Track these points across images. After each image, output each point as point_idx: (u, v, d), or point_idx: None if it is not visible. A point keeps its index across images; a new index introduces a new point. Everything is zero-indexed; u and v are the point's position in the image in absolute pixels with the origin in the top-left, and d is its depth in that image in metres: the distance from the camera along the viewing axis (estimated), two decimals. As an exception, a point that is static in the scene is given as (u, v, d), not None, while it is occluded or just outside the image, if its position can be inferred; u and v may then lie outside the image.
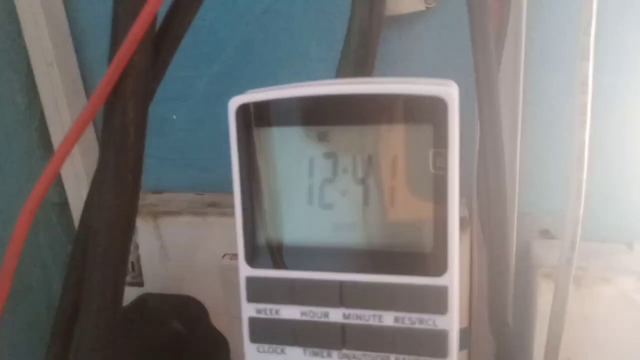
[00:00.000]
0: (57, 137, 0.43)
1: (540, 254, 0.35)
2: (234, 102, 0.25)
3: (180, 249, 0.38)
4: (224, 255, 0.38)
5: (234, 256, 0.39)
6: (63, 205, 0.45)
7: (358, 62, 0.33)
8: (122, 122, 0.24)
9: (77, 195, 0.43)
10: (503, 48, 0.32)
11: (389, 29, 0.35)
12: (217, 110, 0.42)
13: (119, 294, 0.27)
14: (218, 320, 0.38)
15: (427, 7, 0.34)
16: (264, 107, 0.25)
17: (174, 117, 0.42)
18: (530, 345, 0.33)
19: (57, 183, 0.44)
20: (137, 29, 0.23)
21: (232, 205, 0.40)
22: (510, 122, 0.34)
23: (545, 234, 0.38)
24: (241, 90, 0.41)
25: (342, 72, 0.34)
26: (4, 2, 0.40)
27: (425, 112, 0.23)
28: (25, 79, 0.42)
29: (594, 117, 0.26)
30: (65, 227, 0.47)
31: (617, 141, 0.36)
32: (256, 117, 0.25)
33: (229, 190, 0.43)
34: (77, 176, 0.43)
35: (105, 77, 0.23)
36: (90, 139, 0.44)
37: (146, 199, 0.42)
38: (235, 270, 0.38)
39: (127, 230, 0.26)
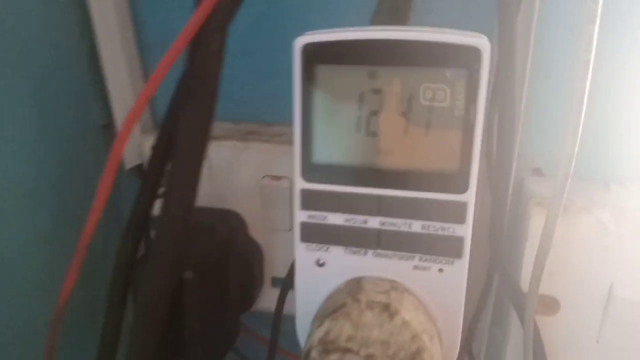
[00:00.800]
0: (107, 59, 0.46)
1: (533, 188, 0.41)
2: (300, 42, 0.29)
3: (225, 170, 0.43)
4: (264, 177, 0.43)
5: (274, 177, 0.45)
6: (108, 127, 0.50)
7: (393, 10, 0.37)
8: (206, 54, 0.29)
9: (123, 118, 0.47)
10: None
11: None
12: (252, 47, 0.46)
13: (194, 199, 0.32)
14: (255, 232, 0.44)
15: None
16: (324, 47, 0.29)
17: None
18: (520, 259, 0.40)
19: (104, 105, 0.48)
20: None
21: (268, 134, 0.46)
22: (521, 68, 0.39)
23: (537, 172, 0.44)
24: (278, 29, 0.46)
25: (376, 19, 0.38)
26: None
27: (462, 59, 0.28)
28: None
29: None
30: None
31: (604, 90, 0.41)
32: (317, 55, 0.29)
33: (263, 121, 0.49)
34: (125, 101, 0.47)
35: (198, 12, 0.28)
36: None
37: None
38: (272, 189, 0.44)
39: (205, 148, 0.31)
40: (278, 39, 0.46)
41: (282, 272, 0.44)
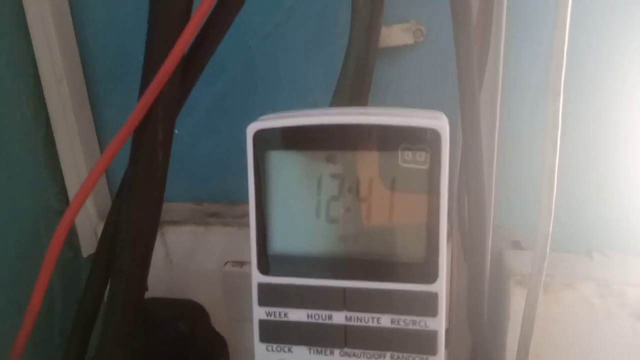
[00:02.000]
0: (62, 144, 0.45)
1: (512, 263, 0.39)
2: (252, 128, 0.28)
3: (184, 256, 0.41)
4: (226, 263, 0.41)
5: (236, 263, 0.42)
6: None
7: (354, 89, 0.36)
8: (152, 144, 0.27)
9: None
10: (484, 75, 0.36)
11: (381, 59, 0.39)
12: (218, 126, 0.45)
13: (141, 296, 0.29)
14: (218, 323, 0.41)
15: (415, 41, 0.38)
16: (278, 133, 0.28)
17: (176, 132, 0.45)
18: (503, 343, 0.37)
19: (60, 190, 0.46)
20: (168, 65, 0.26)
21: (231, 216, 0.44)
22: (488, 142, 0.38)
23: (516, 245, 0.42)
24: (241, 110, 0.45)
25: (338, 97, 0.37)
26: (15, 14, 0.42)
27: (422, 141, 0.26)
28: (34, 91, 0.44)
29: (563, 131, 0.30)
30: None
31: (578, 159, 0.40)
32: (271, 142, 0.28)
33: (227, 201, 0.47)
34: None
35: (139, 105, 0.26)
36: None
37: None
38: (235, 276, 0.42)
39: (152, 240, 0.28)
40: (244, 114, 0.44)
41: (250, 367, 0.40)
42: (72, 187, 0.45)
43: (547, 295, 0.35)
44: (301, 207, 0.28)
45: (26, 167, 0.44)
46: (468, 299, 0.35)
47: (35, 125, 0.44)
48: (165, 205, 0.46)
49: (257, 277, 0.29)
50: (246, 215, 0.43)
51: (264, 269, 0.29)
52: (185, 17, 0.26)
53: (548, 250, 0.30)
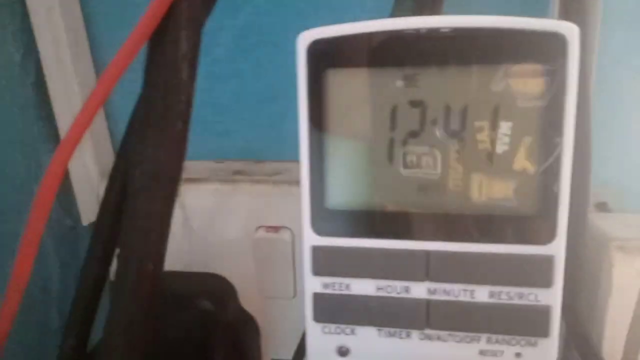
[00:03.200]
0: (56, 91, 0.38)
1: (604, 227, 0.32)
2: (305, 38, 0.21)
3: (206, 221, 0.34)
4: (258, 228, 0.34)
5: (270, 228, 0.36)
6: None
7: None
8: (174, 56, 0.20)
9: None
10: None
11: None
12: (241, 66, 0.38)
13: (159, 267, 0.23)
14: (248, 302, 0.35)
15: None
16: (340, 45, 0.21)
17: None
18: (601, 327, 0.31)
19: (54, 148, 0.40)
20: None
21: (260, 173, 0.37)
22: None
23: (602, 206, 0.36)
24: (270, 47, 0.38)
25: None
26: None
27: (540, 53, 0.19)
28: (21, 26, 0.37)
29: None
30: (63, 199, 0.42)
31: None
32: (330, 56, 0.21)
33: (253, 159, 0.40)
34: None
35: (154, 3, 0.19)
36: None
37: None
38: (269, 244, 0.35)
39: (174, 189, 0.22)
40: (273, 53, 0.37)
41: (285, 354, 0.34)
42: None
43: (628, 257, 0.29)
44: (370, 147, 0.22)
45: (15, 120, 0.38)
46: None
47: (24, 69, 0.38)
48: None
49: (311, 239, 0.23)
50: (279, 173, 0.37)
51: (320, 228, 0.23)
52: None
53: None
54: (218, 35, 0.37)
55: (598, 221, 0.33)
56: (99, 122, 0.40)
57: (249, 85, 0.38)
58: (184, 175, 0.34)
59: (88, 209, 0.41)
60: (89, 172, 0.39)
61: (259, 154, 0.40)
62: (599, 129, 0.34)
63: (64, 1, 0.36)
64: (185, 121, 0.21)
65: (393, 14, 0.29)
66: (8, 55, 0.37)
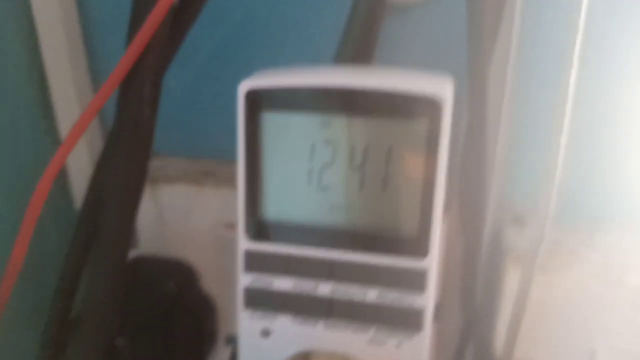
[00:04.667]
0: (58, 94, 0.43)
1: (511, 239, 0.38)
2: (244, 87, 0.26)
3: (177, 215, 0.40)
4: (219, 224, 0.40)
5: (230, 225, 0.41)
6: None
7: (359, 46, 0.34)
8: (139, 98, 0.26)
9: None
10: (495, 43, 0.34)
11: (390, 15, 0.37)
12: (216, 76, 0.43)
13: (125, 254, 0.29)
14: (209, 286, 0.40)
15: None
16: (272, 93, 0.26)
17: (172, 84, 0.43)
18: (494, 322, 0.36)
19: (54, 142, 0.45)
20: (157, 12, 0.24)
21: (227, 175, 0.43)
22: (494, 113, 0.36)
23: (518, 220, 0.41)
24: (242, 59, 0.43)
25: (341, 53, 0.35)
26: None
27: (419, 110, 0.25)
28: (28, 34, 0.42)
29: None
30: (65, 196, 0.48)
31: (589, 135, 0.39)
32: (263, 102, 0.26)
33: (224, 158, 0.46)
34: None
35: (125, 57, 0.25)
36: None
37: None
38: (227, 239, 0.41)
39: (136, 202, 0.27)
40: (244, 64, 0.42)
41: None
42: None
43: (545, 276, 0.34)
44: (293, 172, 0.27)
45: (21, 118, 0.43)
46: (462, 274, 0.34)
47: (30, 73, 0.43)
48: (160, 160, 0.46)
49: (244, 243, 0.28)
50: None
51: (252, 234, 0.28)
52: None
53: (547, 231, 0.29)
54: (197, 47, 0.42)
55: (509, 235, 0.38)
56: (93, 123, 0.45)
57: (224, 91, 0.43)
58: (161, 173, 0.40)
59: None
60: (83, 162, 0.44)
61: (229, 154, 0.45)
62: (522, 143, 0.39)
63: (67, 13, 0.41)
64: (147, 148, 0.27)
65: (336, 59, 0.35)
66: (17, 60, 0.42)
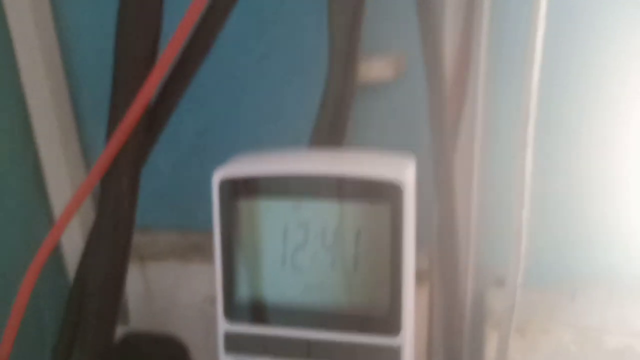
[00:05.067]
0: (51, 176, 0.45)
1: (492, 303, 0.38)
2: (218, 176, 0.28)
3: (165, 291, 0.41)
4: (206, 299, 0.41)
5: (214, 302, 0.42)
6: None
7: (332, 126, 0.36)
8: (118, 193, 0.27)
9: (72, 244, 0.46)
10: (461, 123, 0.36)
11: (363, 93, 0.39)
12: (201, 157, 0.46)
13: (109, 340, 0.29)
14: (199, 357, 0.41)
15: (396, 76, 0.37)
16: (245, 182, 0.28)
17: (160, 165, 0.45)
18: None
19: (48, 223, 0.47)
20: (134, 113, 0.26)
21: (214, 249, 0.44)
22: (466, 182, 0.37)
23: (499, 282, 0.41)
24: (224, 142, 0.45)
25: (316, 134, 0.37)
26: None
27: (383, 194, 0.26)
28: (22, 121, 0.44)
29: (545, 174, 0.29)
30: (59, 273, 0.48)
31: (565, 195, 0.40)
32: (237, 190, 0.28)
33: (212, 231, 0.47)
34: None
35: (104, 155, 0.26)
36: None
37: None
38: (214, 313, 0.42)
39: (119, 291, 0.29)
40: (227, 147, 0.45)
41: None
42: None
43: (524, 341, 0.34)
44: (268, 255, 0.28)
45: (16, 200, 0.45)
46: (444, 344, 0.35)
47: (24, 157, 0.45)
48: (148, 236, 0.48)
49: (223, 325, 0.29)
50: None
51: (230, 316, 0.29)
52: (150, 64, 0.26)
53: (519, 298, 0.30)
54: (182, 132, 0.45)
55: (490, 298, 0.39)
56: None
57: (208, 172, 0.45)
58: (149, 250, 0.41)
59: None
60: (77, 243, 0.45)
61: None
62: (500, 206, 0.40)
63: (58, 97, 0.43)
64: (127, 239, 0.28)
65: (311, 140, 0.36)
66: (10, 145, 0.45)
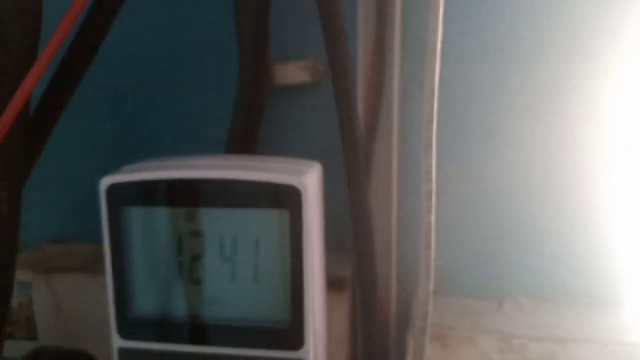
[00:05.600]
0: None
1: (415, 312, 0.37)
2: (105, 182, 0.26)
3: (74, 305, 0.38)
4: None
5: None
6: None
7: (245, 131, 0.35)
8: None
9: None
10: (377, 130, 0.34)
11: (280, 98, 0.37)
12: (122, 162, 0.43)
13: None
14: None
15: (313, 80, 0.36)
16: (134, 188, 0.26)
17: (78, 168, 0.43)
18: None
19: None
20: (7, 117, 0.24)
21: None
22: (386, 190, 0.36)
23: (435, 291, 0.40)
24: (144, 147, 0.43)
25: (231, 138, 0.35)
26: None
27: (282, 199, 0.25)
28: None
29: (477, 181, 0.28)
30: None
31: (491, 201, 0.39)
32: (126, 197, 0.26)
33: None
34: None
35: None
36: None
37: (45, 251, 0.42)
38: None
39: (3, 315, 0.26)
40: (147, 152, 0.42)
41: None
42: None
43: (446, 350, 0.33)
44: (163, 267, 0.27)
45: None
46: (365, 354, 0.33)
47: None
48: (64, 247, 0.45)
49: (118, 342, 0.27)
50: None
51: (124, 333, 0.27)
52: (29, 60, 0.24)
53: (431, 306, 0.28)
54: (99, 136, 0.43)
55: (415, 307, 0.38)
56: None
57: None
58: (57, 263, 0.38)
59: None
60: None
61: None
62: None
63: None
64: (11, 250, 0.26)
65: (226, 144, 0.35)
66: None
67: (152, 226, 0.26)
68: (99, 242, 0.44)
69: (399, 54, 0.34)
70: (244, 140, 0.34)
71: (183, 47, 0.40)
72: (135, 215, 0.26)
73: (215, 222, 0.26)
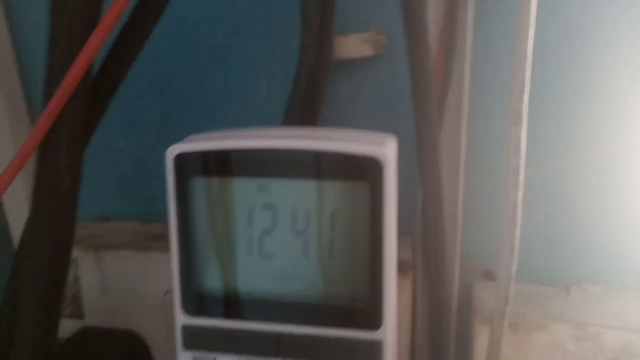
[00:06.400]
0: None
1: (480, 298, 0.36)
2: (172, 151, 0.25)
3: (122, 283, 0.37)
4: (166, 292, 0.37)
5: (169, 292, 0.38)
6: (4, 230, 0.44)
7: (305, 105, 0.33)
8: (56, 170, 0.24)
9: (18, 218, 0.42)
10: (446, 101, 0.33)
11: (338, 72, 0.36)
12: (165, 140, 0.42)
13: (52, 343, 0.26)
14: (160, 355, 0.37)
15: (375, 53, 0.34)
16: (203, 157, 0.24)
17: (122, 145, 0.42)
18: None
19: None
20: (71, 79, 0.22)
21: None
22: (453, 168, 0.34)
23: (488, 275, 0.39)
24: (190, 123, 0.41)
25: (289, 113, 0.34)
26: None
27: (362, 171, 0.23)
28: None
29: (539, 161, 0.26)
30: (5, 251, 0.45)
31: (558, 189, 0.37)
32: (194, 167, 0.24)
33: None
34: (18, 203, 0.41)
35: (37, 126, 0.23)
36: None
37: (89, 228, 0.41)
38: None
39: (61, 280, 0.25)
40: (193, 128, 0.41)
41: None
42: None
43: (517, 336, 0.32)
44: (231, 241, 0.25)
45: None
46: (429, 340, 0.32)
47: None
48: (109, 225, 0.44)
49: (182, 319, 0.26)
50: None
51: (189, 309, 0.26)
52: (92, 21, 0.23)
53: (512, 290, 0.27)
54: (145, 112, 0.41)
55: (478, 292, 0.36)
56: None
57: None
58: (106, 239, 0.37)
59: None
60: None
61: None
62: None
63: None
64: (70, 221, 0.25)
65: (283, 121, 0.33)
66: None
67: (221, 198, 0.25)
68: (142, 219, 0.44)
69: (472, 22, 0.32)
70: (304, 115, 0.32)
71: (233, 22, 0.39)
72: (204, 186, 0.25)
73: (289, 194, 0.24)
